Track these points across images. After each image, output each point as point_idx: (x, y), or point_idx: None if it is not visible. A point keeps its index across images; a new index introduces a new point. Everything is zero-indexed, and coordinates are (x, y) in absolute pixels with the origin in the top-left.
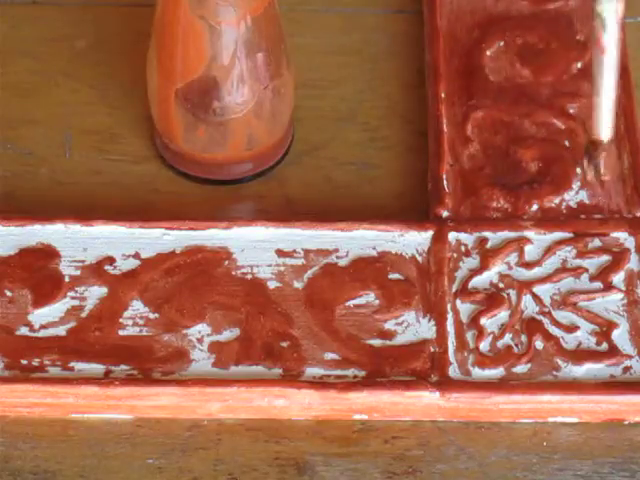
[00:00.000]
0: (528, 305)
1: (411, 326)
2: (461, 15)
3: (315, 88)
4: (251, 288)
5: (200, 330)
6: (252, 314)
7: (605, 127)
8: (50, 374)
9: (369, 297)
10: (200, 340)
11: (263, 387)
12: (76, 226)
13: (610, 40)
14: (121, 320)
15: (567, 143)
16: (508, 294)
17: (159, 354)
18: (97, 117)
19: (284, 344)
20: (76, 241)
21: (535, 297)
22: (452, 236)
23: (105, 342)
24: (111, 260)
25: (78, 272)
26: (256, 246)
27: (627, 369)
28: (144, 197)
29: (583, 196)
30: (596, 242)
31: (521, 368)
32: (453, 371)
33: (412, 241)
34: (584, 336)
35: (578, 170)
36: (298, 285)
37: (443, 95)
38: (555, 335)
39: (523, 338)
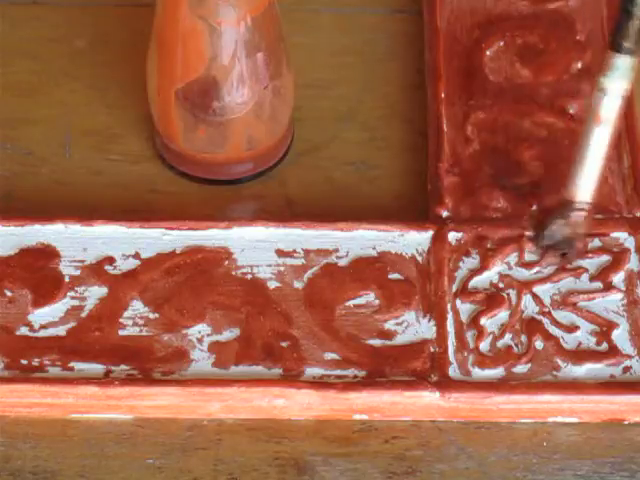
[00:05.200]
0: (528, 305)
1: (411, 326)
2: (461, 15)
3: (315, 88)
4: (251, 288)
5: (200, 330)
6: (252, 314)
7: (586, 192)
8: (50, 374)
9: (369, 297)
10: (200, 340)
11: (263, 387)
12: (76, 226)
13: (609, 115)
14: (121, 320)
15: (567, 143)
16: (508, 294)
17: (159, 354)
18: (97, 117)
19: (284, 344)
20: (76, 241)
21: (535, 297)
22: (452, 236)
23: (105, 342)
24: (111, 260)
25: (78, 272)
26: (256, 246)
27: (627, 369)
28: (144, 197)
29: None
30: (596, 242)
31: (521, 368)
32: (453, 371)
33: (412, 241)
34: (584, 336)
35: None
36: (298, 285)
37: (443, 95)
38: (555, 335)
39: (523, 338)
